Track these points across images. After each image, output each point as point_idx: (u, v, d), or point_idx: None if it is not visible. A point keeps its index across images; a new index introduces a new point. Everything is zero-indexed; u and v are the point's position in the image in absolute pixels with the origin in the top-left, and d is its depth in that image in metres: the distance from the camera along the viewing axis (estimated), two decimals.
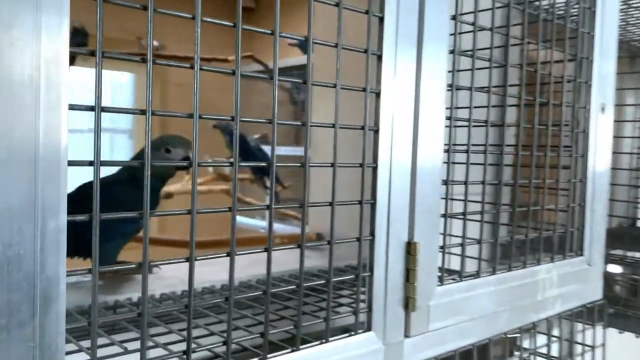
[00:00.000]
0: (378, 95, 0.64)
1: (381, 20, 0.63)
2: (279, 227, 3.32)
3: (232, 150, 2.15)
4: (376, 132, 0.64)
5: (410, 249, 0.67)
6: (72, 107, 0.43)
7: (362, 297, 0.65)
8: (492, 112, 0.79)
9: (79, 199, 0.95)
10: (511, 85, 0.84)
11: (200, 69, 0.49)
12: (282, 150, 3.31)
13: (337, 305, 0.84)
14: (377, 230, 0.64)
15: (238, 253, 0.54)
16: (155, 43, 3.35)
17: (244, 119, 0.54)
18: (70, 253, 0.97)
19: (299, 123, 0.57)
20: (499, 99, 0.83)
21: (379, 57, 0.64)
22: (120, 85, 3.99)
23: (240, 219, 3.47)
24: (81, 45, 2.84)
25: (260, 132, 3.49)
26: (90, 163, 0.44)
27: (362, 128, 0.61)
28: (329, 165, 0.59)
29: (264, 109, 3.72)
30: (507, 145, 0.83)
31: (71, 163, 0.43)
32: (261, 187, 2.81)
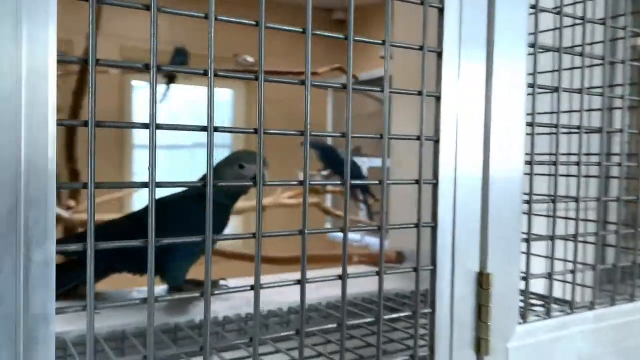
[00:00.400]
0: (438, 99, 0.54)
1: (441, 11, 0.54)
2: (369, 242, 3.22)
3: (324, 162, 2.09)
4: (436, 142, 0.54)
5: (482, 281, 0.57)
6: (61, 123, 0.37)
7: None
8: (585, 116, 0.66)
9: (147, 216, 0.93)
10: (612, 86, 0.71)
11: (216, 75, 0.43)
12: (374, 162, 3.22)
13: (409, 337, 0.74)
14: (440, 259, 0.54)
15: (309, 280, 0.47)
16: (251, 59, 3.40)
17: (266, 132, 0.47)
18: (139, 270, 0.96)
19: (339, 134, 0.49)
20: (592, 102, 0.70)
21: (439, 55, 0.54)
22: (223, 102, 4.07)
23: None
24: (183, 65, 2.92)
25: (353, 144, 3.43)
26: (85, 185, 0.38)
27: (418, 138, 0.52)
28: (377, 183, 0.51)
29: (358, 120, 3.66)
30: (609, 154, 0.70)
31: (62, 186, 0.38)
32: (352, 200, 2.74)
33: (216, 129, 0.43)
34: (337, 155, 2.76)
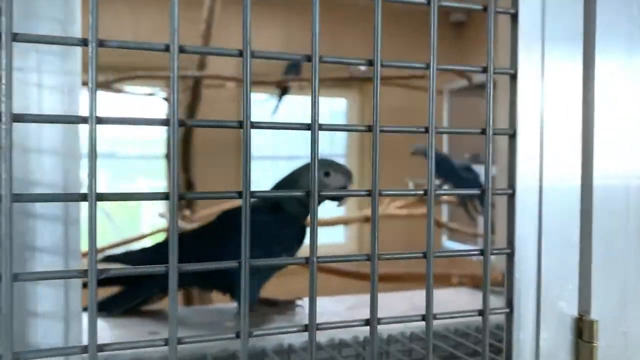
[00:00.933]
0: (514, 77, 0.39)
1: None
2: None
3: (436, 172, 1.97)
4: (512, 136, 0.39)
5: (582, 329, 0.40)
6: None
7: None
8: None
9: (220, 227, 0.86)
10: None
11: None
12: (492, 170, 2.94)
13: None
14: (519, 299, 0.39)
15: (319, 327, 0.35)
16: (363, 67, 3.32)
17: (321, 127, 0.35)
18: (210, 285, 0.89)
19: (364, 128, 0.36)
20: None
21: (513, 17, 0.39)
22: (337, 112, 4.01)
23: (451, 244, 3.22)
24: (297, 76, 2.90)
25: (471, 151, 3.20)
26: None
27: (483, 132, 0.38)
28: (422, 193, 0.37)
29: (473, 124, 3.40)
30: None
31: None
32: (465, 212, 2.52)
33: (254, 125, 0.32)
34: (451, 164, 2.56)
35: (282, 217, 0.84)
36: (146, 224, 3.26)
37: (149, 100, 2.96)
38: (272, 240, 0.83)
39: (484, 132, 0.38)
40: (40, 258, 0.66)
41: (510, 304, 0.39)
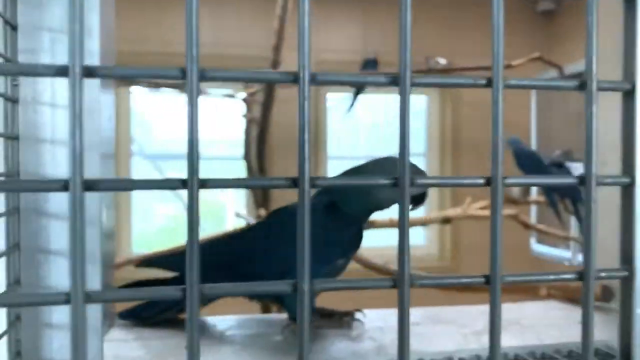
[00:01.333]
0: (630, 5, 0.25)
1: None
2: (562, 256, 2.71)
3: (522, 169, 1.76)
4: (628, 94, 0.25)
5: None
6: None
7: None
8: None
9: (273, 226, 0.76)
10: None
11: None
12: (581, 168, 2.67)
13: None
14: None
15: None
16: (443, 61, 3.14)
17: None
18: (260, 295, 0.80)
19: (386, 80, 0.23)
20: None
21: None
22: (415, 111, 3.86)
23: (541, 248, 2.98)
24: (373, 71, 2.79)
25: (563, 148, 2.95)
26: None
27: (582, 87, 0.24)
28: (482, 182, 0.24)
29: (563, 119, 3.14)
30: None
31: None
32: (555, 213, 2.28)
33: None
34: (539, 160, 2.33)
35: (338, 218, 0.73)
36: (230, 223, 3.26)
37: (227, 101, 2.95)
38: (327, 242, 0.72)
39: (582, 87, 0.24)
40: (55, 261, 0.58)
41: (626, 353, 0.25)
